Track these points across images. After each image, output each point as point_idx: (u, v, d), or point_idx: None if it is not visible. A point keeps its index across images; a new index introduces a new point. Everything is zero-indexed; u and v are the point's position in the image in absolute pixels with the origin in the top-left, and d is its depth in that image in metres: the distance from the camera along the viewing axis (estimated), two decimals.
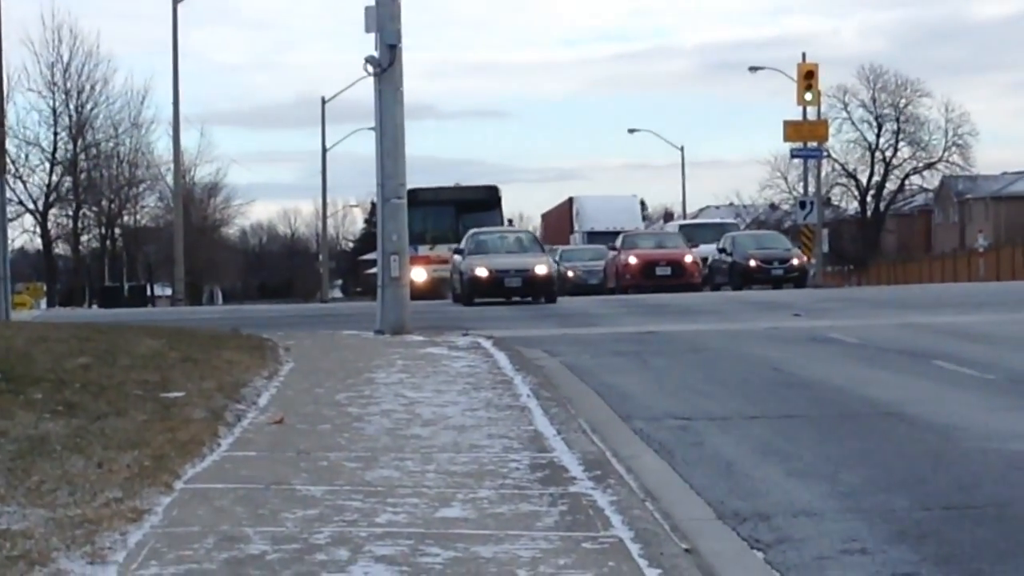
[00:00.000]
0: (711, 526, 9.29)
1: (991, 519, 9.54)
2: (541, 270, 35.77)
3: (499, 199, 47.95)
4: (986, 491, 10.57)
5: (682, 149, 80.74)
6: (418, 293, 38.32)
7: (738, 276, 45.39)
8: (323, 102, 62.38)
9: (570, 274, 45.83)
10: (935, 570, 7.93)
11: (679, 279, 44.22)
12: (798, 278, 45.86)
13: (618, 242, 48.47)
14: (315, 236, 71.93)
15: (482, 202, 47.41)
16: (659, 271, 45.40)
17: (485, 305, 38.07)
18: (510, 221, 50.17)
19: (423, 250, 42.72)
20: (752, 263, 43.56)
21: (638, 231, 57.80)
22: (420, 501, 9.43)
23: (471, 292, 36.35)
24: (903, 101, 76.59)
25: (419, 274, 40.07)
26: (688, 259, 45.00)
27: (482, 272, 36.46)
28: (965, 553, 8.53)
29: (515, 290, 36.32)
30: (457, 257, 37.83)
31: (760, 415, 14.92)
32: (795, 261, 45.19)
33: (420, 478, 10.32)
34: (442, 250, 42.94)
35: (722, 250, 46.75)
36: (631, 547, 7.85)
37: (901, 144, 78.63)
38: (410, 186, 31.30)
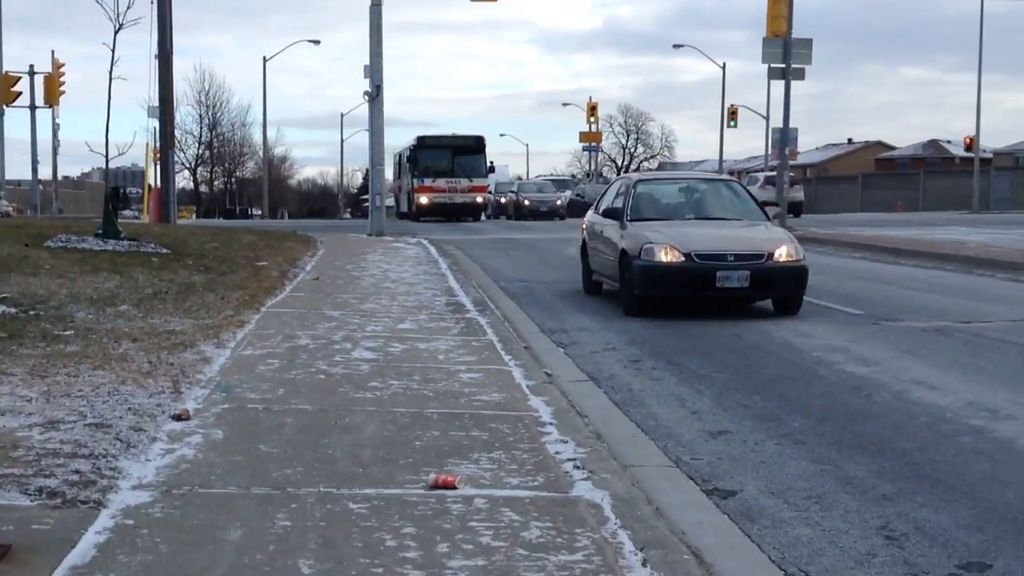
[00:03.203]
0: (537, 336, 13.33)
1: (680, 329, 13.95)
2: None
3: (484, 146, 53.22)
4: (678, 319, 14.96)
5: (527, 145, 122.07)
6: (423, 211, 49.98)
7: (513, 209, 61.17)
8: (341, 117, 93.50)
9: (526, 203, 56.70)
10: (651, 358, 12.01)
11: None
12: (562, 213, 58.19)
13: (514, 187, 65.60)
14: (337, 185, 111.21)
15: (471, 147, 52.53)
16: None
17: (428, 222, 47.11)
18: (491, 163, 55.89)
19: (427, 181, 50.63)
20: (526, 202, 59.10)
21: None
22: (388, 320, 13.68)
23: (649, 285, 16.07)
24: (640, 122, 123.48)
25: (423, 199, 50.15)
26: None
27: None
28: (666, 348, 12.63)
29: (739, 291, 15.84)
30: (608, 222, 17.96)
31: (564, 280, 20.77)
32: (558, 202, 59.56)
33: (389, 308, 14.83)
34: (440, 182, 50.74)
35: (512, 192, 63.95)
36: (496, 344, 11.93)
37: (639, 145, 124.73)
38: (417, 134, 51.68)
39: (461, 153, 52.25)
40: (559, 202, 56.30)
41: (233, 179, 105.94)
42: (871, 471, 7.52)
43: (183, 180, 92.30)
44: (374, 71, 36.23)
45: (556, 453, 7.30)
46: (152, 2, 35.18)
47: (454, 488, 6.39)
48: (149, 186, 45.87)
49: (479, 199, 52.64)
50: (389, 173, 60.83)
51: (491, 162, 54.11)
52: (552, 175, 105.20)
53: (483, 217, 57.53)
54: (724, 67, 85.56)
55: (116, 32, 30.93)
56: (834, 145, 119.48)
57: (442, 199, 51.06)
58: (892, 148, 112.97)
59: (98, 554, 5.31)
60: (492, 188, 61.66)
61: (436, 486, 6.42)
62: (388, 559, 5.29)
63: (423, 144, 52.70)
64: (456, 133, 55.20)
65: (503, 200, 65.18)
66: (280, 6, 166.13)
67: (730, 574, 5.37)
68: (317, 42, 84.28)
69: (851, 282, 20.54)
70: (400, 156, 59.34)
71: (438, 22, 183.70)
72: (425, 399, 8.96)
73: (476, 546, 5.48)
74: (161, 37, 35.70)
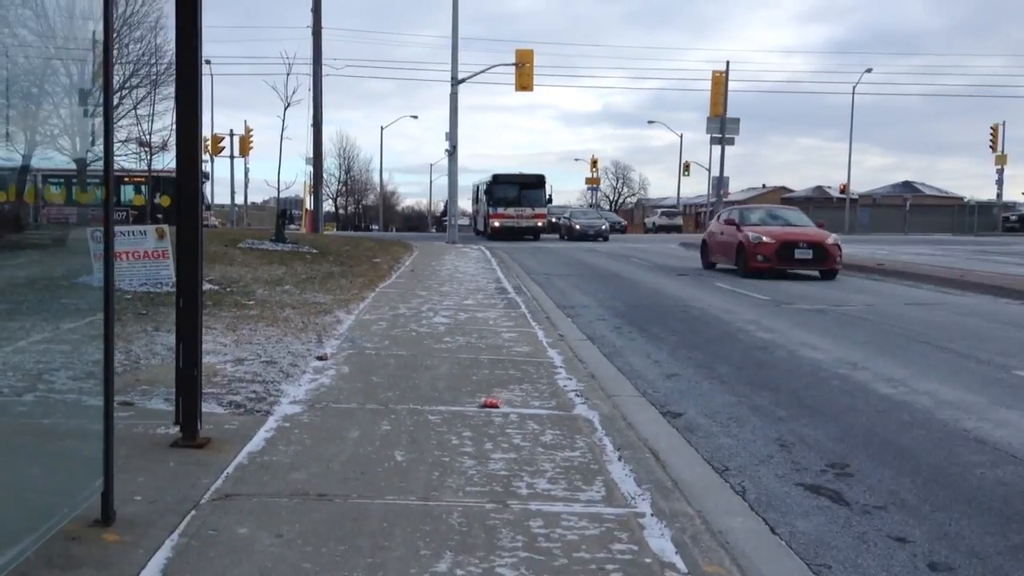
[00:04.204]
0: (553, 309, 13.26)
1: (647, 309, 13.70)
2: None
3: (544, 182, 45.32)
4: (647, 303, 14.66)
5: (551, 186, 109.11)
6: (496, 233, 43.13)
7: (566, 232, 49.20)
8: (430, 166, 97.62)
9: (577, 227, 45.09)
10: (628, 326, 11.84)
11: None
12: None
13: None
14: (426, 210, 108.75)
15: (534, 183, 44.93)
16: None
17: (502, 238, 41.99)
18: (550, 195, 47.10)
19: (500, 209, 43.65)
20: (576, 226, 45.59)
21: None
22: (457, 298, 13.57)
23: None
24: (625, 172, 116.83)
25: (496, 224, 43.20)
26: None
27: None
28: (638, 320, 12.44)
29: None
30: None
31: (574, 275, 20.43)
32: (603, 227, 45.66)
33: (457, 290, 14.71)
34: (510, 210, 43.63)
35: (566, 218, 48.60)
36: (527, 315, 11.87)
37: (624, 187, 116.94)
38: (492, 172, 45.79)
39: (526, 187, 44.89)
40: (604, 227, 46.36)
41: (360, 205, 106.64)
42: (771, 402, 7.47)
43: (327, 205, 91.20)
44: (452, 135, 36.54)
45: (564, 386, 7.28)
46: (309, 89, 35.36)
47: (497, 407, 6.40)
48: (305, 209, 46.81)
49: (540, 223, 45.19)
50: (464, 202, 58.97)
51: (550, 195, 46.93)
52: (567, 205, 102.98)
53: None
54: (681, 136, 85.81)
55: (286, 108, 30.92)
56: (753, 188, 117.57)
57: (511, 223, 44.14)
58: (792, 191, 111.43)
59: (266, 444, 5.35)
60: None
61: (485, 405, 6.43)
62: (452, 451, 5.30)
63: (497, 180, 45.86)
64: (523, 172, 47.39)
65: (555, 221, 53.60)
66: (393, 93, 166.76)
67: (677, 467, 5.33)
68: (416, 117, 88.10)
69: (763, 279, 20.31)
70: (478, 187, 52.89)
71: (494, 104, 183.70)
72: (479, 349, 8.94)
73: (510, 445, 5.48)
74: (315, 111, 35.82)
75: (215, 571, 3.56)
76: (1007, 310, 14.41)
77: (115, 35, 3.91)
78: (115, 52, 3.89)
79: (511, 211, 44.26)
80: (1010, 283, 17.80)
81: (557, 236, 48.15)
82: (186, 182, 5.01)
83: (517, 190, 44.57)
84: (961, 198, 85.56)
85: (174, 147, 4.96)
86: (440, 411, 6.25)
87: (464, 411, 6.28)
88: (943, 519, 4.70)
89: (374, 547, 3.82)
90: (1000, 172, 59.28)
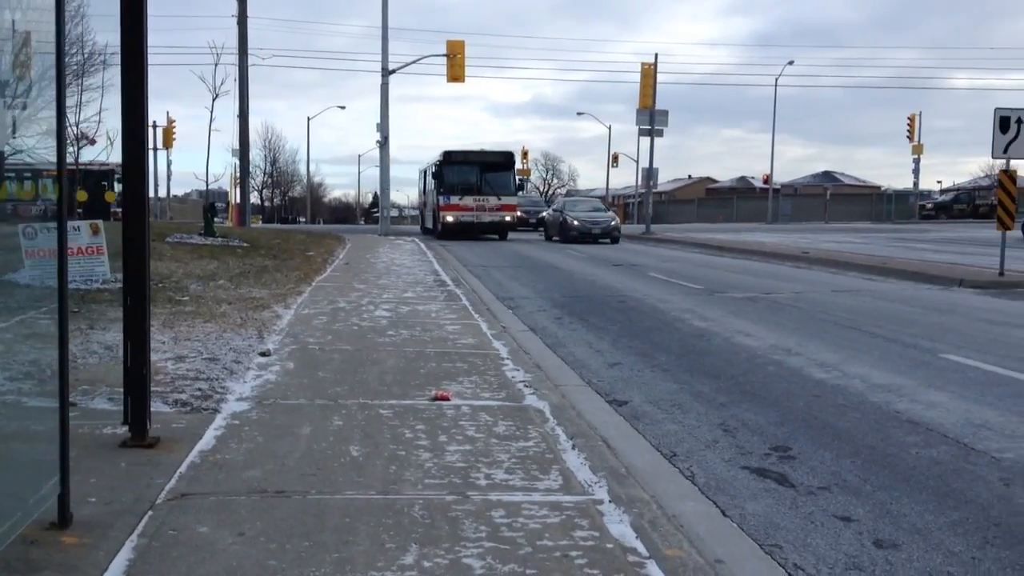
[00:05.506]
0: (494, 301, 13.23)
1: (585, 299, 13.85)
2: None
3: (513, 162, 35.04)
4: (584, 293, 14.84)
5: None
6: (448, 230, 33.28)
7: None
8: (359, 157, 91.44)
9: (575, 223, 31.65)
10: (568, 317, 11.95)
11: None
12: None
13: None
14: (354, 201, 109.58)
15: (500, 164, 34.46)
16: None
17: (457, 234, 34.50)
18: (521, 180, 37.83)
19: (453, 199, 33.60)
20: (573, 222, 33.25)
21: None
22: (396, 291, 13.47)
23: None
24: (555, 163, 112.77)
25: (449, 218, 33.56)
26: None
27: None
28: (578, 311, 12.57)
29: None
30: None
31: (511, 266, 20.56)
32: (612, 223, 32.83)
33: (396, 283, 14.56)
34: (466, 200, 33.50)
35: (557, 211, 38.94)
36: (468, 307, 11.85)
37: (554, 178, 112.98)
38: (444, 149, 34.93)
39: (489, 169, 34.15)
40: (613, 222, 32.54)
41: (286, 197, 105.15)
42: (712, 388, 7.64)
43: (253, 198, 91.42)
44: (383, 126, 36.20)
45: (512, 377, 7.34)
46: (235, 80, 34.75)
47: (448, 400, 6.43)
48: (230, 201, 45.90)
49: (508, 218, 34.43)
50: (398, 195, 56.93)
51: (520, 179, 36.74)
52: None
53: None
54: (610, 128, 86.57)
55: (214, 99, 30.23)
56: (679, 179, 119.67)
57: (468, 218, 33.68)
58: (716, 181, 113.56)
59: (217, 443, 5.30)
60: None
61: (436, 398, 6.45)
62: (407, 445, 5.31)
63: (449, 159, 34.45)
64: (484, 148, 36.02)
65: (539, 217, 41.31)
66: (319, 83, 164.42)
67: (626, 453, 5.43)
68: (343, 107, 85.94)
69: (694, 268, 20.71)
70: (425, 172, 40.40)
71: (424, 95, 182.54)
72: (424, 342, 8.94)
73: (464, 437, 5.52)
74: (241, 102, 35.18)
75: (180, 571, 3.54)
76: (928, 295, 14.95)
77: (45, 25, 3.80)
78: (54, 44, 3.79)
79: (468, 201, 33.86)
80: (929, 269, 18.46)
81: (542, 235, 36.51)
82: (133, 178, 4.92)
83: (476, 173, 34.17)
84: (879, 187, 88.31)
85: (101, 140, 4.87)
86: (391, 405, 6.26)
87: (415, 404, 6.29)
88: (884, 498, 4.89)
89: (338, 542, 3.83)
90: (916, 161, 61.21)
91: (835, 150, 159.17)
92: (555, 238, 33.38)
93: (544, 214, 39.59)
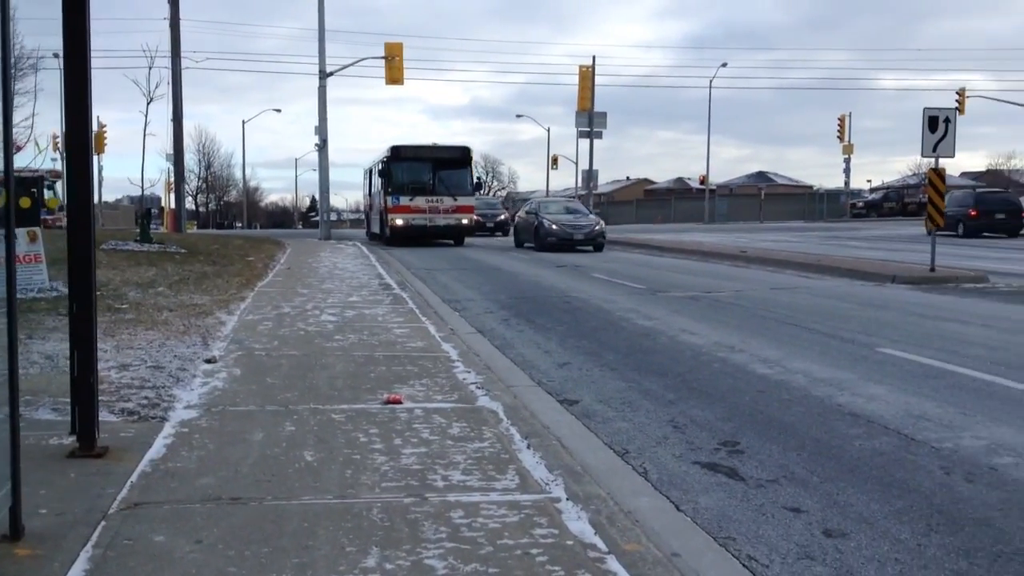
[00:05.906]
0: (440, 304, 13.24)
1: (531, 300, 13.93)
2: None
3: (470, 158, 31.24)
4: (530, 294, 14.92)
5: None
6: (398, 235, 30.32)
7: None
8: (296, 160, 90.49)
9: (553, 227, 27.51)
10: (515, 318, 11.97)
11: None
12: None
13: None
14: (292, 206, 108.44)
15: (456, 160, 30.83)
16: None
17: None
18: (479, 179, 34.17)
19: (404, 200, 30.26)
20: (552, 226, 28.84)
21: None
22: (341, 295, 13.36)
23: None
24: (495, 165, 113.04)
25: (398, 221, 30.24)
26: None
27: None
28: (524, 312, 12.62)
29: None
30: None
31: (455, 268, 20.53)
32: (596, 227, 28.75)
33: (340, 288, 14.46)
34: (420, 201, 30.26)
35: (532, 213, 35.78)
36: (415, 310, 11.82)
37: (494, 180, 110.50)
38: (393, 144, 30.96)
39: (443, 166, 30.69)
40: (597, 227, 28.43)
41: (221, 202, 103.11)
42: (660, 386, 7.73)
43: (188, 203, 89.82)
44: (321, 129, 35.91)
45: (463, 379, 7.35)
46: (169, 83, 34.18)
47: (400, 403, 6.42)
48: (163, 207, 45.21)
49: (465, 220, 31.00)
50: (336, 198, 56.36)
51: (478, 177, 33.00)
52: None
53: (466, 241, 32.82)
54: (549, 130, 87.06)
55: (148, 103, 29.80)
56: (617, 181, 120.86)
57: (420, 221, 30.33)
58: (654, 183, 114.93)
59: (167, 451, 5.23)
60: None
61: (388, 402, 6.45)
62: (362, 449, 5.30)
63: (398, 155, 30.72)
64: (436, 143, 31.83)
65: (497, 221, 40.38)
66: (254, 86, 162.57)
67: (580, 452, 5.49)
68: (279, 110, 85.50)
69: (635, 268, 20.93)
70: (371, 171, 36.45)
71: (362, 98, 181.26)
72: (373, 346, 8.90)
73: (419, 439, 5.52)
74: (174, 106, 34.61)
75: None
76: (863, 291, 15.35)
77: None
78: None
79: (420, 202, 30.49)
80: (863, 266, 18.96)
81: (503, 240, 34.84)
82: (77, 185, 4.83)
83: (429, 170, 30.74)
84: (811, 186, 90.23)
85: (29, 146, 4.78)
86: (343, 409, 6.24)
87: (368, 408, 6.28)
88: (831, 489, 5.03)
89: (298, 547, 3.82)
90: (847, 161, 62.76)
91: (769, 150, 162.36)
92: (528, 244, 29.56)
93: (502, 216, 39.60)
